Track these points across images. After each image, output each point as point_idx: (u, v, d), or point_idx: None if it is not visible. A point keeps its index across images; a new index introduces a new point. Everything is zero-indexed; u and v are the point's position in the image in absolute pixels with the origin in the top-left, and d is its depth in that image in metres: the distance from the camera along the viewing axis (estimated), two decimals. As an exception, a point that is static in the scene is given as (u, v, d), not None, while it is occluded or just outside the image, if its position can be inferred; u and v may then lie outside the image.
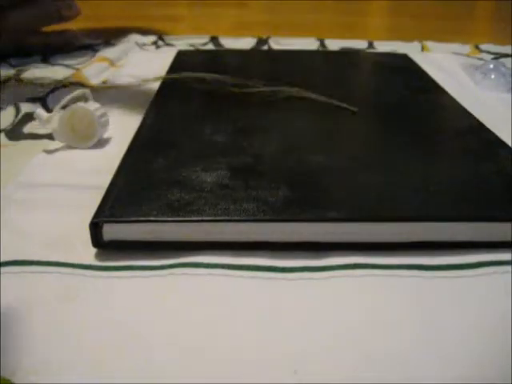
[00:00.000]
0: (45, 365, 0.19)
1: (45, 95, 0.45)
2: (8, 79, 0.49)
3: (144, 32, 0.67)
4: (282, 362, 0.20)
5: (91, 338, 0.20)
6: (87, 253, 0.25)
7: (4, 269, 0.24)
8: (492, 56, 0.62)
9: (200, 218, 0.25)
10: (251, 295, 0.23)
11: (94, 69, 0.53)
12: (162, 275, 0.24)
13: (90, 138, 0.36)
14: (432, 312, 0.22)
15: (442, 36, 0.68)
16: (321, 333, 0.21)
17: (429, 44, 0.66)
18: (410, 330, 0.21)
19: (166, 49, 0.63)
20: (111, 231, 0.25)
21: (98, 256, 0.25)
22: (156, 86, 0.44)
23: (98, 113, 0.35)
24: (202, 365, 0.20)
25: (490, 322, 0.22)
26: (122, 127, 0.37)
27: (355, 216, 0.25)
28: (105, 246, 0.25)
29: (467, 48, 0.65)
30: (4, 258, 0.24)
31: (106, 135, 0.37)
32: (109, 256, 0.25)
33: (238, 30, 0.73)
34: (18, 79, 0.49)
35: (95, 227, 0.24)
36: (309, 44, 0.65)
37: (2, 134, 0.38)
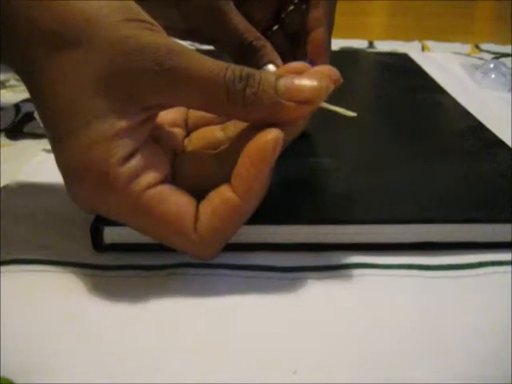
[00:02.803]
0: (44, 365, 0.19)
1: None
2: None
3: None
4: (281, 361, 0.20)
5: (91, 337, 0.20)
6: (87, 252, 0.25)
7: (4, 268, 0.24)
8: (492, 55, 0.62)
9: None
10: (251, 295, 0.23)
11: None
12: (163, 275, 0.24)
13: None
14: (432, 312, 0.22)
15: (442, 36, 0.68)
16: (321, 332, 0.21)
17: (429, 44, 0.66)
18: (410, 329, 0.21)
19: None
20: (112, 234, 0.25)
21: (98, 255, 0.25)
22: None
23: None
24: (202, 365, 0.19)
25: (490, 321, 0.22)
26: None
27: (355, 218, 0.25)
28: (105, 249, 0.25)
29: (467, 47, 0.65)
30: (4, 257, 0.24)
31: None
32: (109, 255, 0.25)
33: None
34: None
35: (96, 230, 0.24)
36: (309, 44, 0.65)
37: (2, 134, 0.38)
